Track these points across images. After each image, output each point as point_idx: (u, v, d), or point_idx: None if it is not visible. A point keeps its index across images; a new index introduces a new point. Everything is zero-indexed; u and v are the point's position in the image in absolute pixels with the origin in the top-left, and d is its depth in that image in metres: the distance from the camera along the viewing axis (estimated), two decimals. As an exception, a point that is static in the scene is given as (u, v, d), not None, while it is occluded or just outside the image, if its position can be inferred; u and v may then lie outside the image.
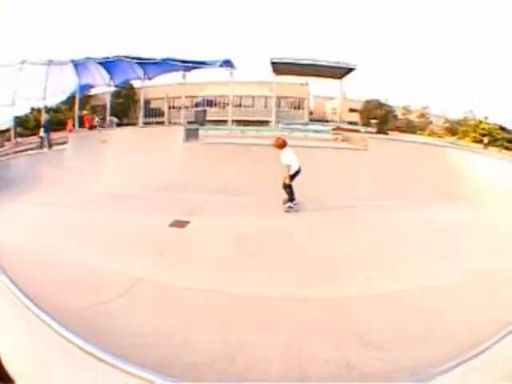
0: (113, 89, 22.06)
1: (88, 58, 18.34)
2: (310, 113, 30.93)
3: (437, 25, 43.05)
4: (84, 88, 20.58)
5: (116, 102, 24.05)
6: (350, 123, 25.74)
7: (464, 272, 3.80)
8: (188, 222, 5.47)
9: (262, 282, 3.63)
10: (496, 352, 1.92)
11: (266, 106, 28.40)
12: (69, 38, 40.29)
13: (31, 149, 14.93)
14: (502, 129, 25.26)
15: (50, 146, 13.88)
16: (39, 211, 6.51)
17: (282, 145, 6.33)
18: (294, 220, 5.89)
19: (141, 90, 22.37)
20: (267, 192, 6.93)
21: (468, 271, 3.82)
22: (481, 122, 26.12)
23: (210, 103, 28.60)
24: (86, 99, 23.34)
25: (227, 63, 19.40)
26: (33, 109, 23.17)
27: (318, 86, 30.07)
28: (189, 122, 18.43)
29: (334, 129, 19.69)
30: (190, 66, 19.02)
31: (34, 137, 17.35)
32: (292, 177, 6.27)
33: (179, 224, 5.40)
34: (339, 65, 21.80)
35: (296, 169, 6.27)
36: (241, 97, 28.20)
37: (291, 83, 27.16)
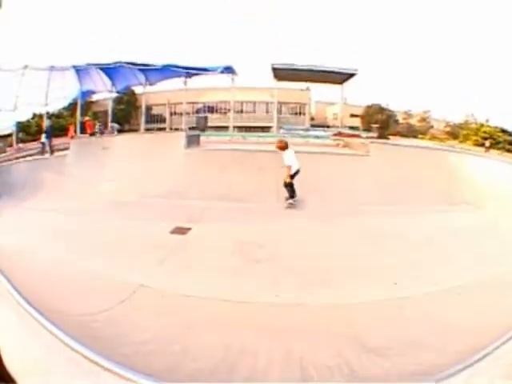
0: (114, 95, 22.23)
1: (90, 64, 18.48)
2: (312, 118, 31.07)
3: (437, 30, 43.36)
4: (86, 94, 20.70)
5: (118, 108, 24.22)
6: (352, 128, 25.85)
7: (466, 276, 3.77)
8: (189, 229, 5.46)
9: (263, 288, 3.61)
10: (498, 357, 1.91)
11: (267, 112, 28.51)
12: (71, 43, 40.80)
13: (33, 154, 15.05)
14: (504, 131, 25.25)
15: (52, 151, 13.99)
16: (40, 217, 6.53)
17: (284, 147, 6.92)
18: (296, 226, 5.87)
19: (142, 96, 22.51)
20: (269, 198, 6.97)
21: (470, 275, 3.80)
22: (482, 125, 26.12)
23: (212, 109, 28.78)
24: (87, 105, 23.53)
25: (228, 69, 19.52)
26: (35, 114, 23.38)
27: (319, 92, 30.21)
28: (190, 128, 18.54)
29: (334, 134, 19.75)
30: (191, 72, 19.12)
31: (35, 142, 17.48)
32: (292, 176, 6.80)
33: (180, 231, 5.39)
34: (340, 70, 21.92)
35: (296, 169, 6.79)
36: (242, 103, 28.34)
37: (292, 89, 27.30)
